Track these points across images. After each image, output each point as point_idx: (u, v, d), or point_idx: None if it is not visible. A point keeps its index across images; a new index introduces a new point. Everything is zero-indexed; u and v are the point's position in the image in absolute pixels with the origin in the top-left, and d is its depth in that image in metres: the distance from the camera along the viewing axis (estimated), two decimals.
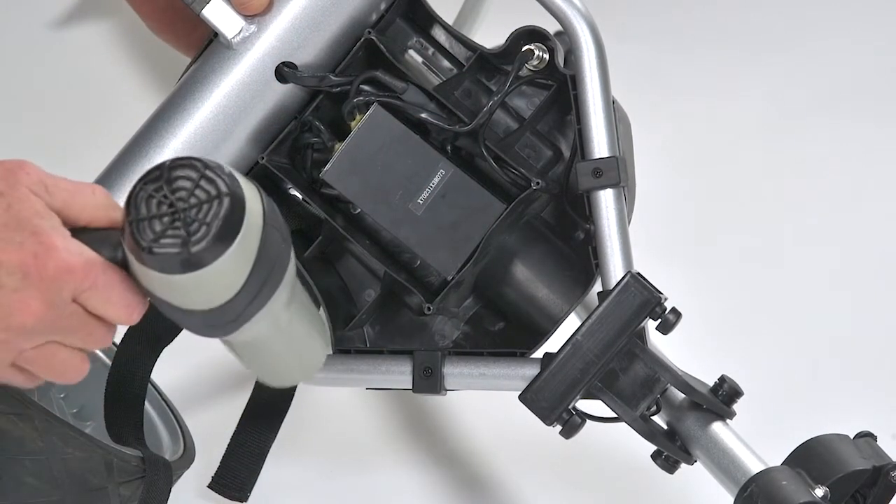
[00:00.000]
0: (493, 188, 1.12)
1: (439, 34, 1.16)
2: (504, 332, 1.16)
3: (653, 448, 1.11)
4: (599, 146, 1.10)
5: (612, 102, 1.12)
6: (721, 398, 1.09)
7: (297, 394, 1.25)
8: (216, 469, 1.24)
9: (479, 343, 1.15)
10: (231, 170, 0.84)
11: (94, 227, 0.88)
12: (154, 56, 1.78)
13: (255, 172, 1.12)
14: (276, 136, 1.12)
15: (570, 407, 1.09)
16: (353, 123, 1.11)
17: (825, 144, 1.69)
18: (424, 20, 1.16)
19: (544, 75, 1.13)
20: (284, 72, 1.10)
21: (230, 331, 0.88)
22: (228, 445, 1.24)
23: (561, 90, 1.13)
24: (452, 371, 1.13)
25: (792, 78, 1.76)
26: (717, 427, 1.09)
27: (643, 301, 1.07)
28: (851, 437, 1.11)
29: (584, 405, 1.11)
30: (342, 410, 1.40)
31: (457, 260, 1.12)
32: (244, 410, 1.25)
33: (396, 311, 1.17)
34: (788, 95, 1.74)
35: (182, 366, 1.39)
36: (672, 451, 1.10)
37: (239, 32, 1.10)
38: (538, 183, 1.11)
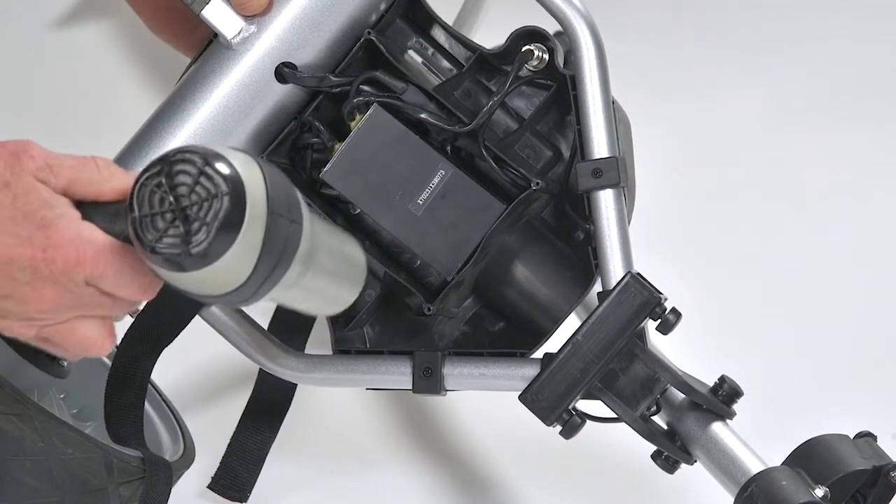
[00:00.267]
0: (493, 188, 1.12)
1: (439, 34, 1.16)
2: (504, 332, 1.16)
3: (653, 448, 1.11)
4: (599, 146, 1.10)
5: (612, 102, 1.12)
6: (721, 398, 1.09)
7: (297, 394, 1.25)
8: (216, 469, 1.24)
9: (479, 343, 1.15)
10: (233, 155, 0.83)
11: (102, 202, 0.88)
12: (154, 56, 1.78)
13: None
14: (275, 137, 1.12)
15: (570, 407, 1.09)
16: (352, 124, 1.11)
17: (825, 144, 1.69)
18: (424, 20, 1.16)
19: (544, 75, 1.13)
20: (284, 72, 1.10)
21: (247, 304, 0.87)
22: (228, 445, 1.25)
23: (561, 90, 1.13)
24: (452, 371, 1.13)
25: (792, 78, 1.76)
26: (717, 427, 1.09)
27: (643, 301, 1.07)
28: (851, 437, 1.11)
29: (584, 405, 1.11)
30: (342, 410, 1.40)
31: (457, 260, 1.12)
32: (244, 410, 1.25)
33: (396, 311, 1.17)
34: (788, 95, 1.74)
35: (182, 366, 1.39)
36: (672, 451, 1.10)
37: (239, 33, 1.10)
38: (538, 183, 1.11)
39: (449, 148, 1.13)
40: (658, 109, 1.70)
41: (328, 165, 1.11)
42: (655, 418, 1.12)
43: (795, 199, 1.64)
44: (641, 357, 1.09)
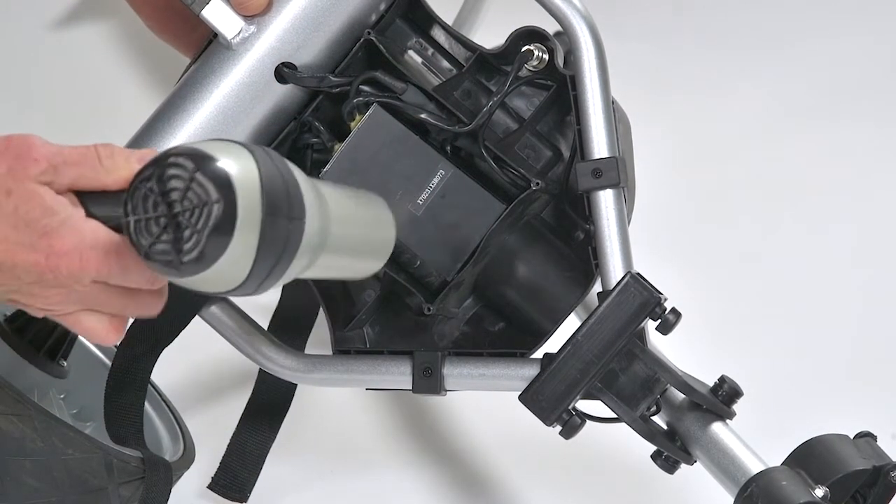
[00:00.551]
0: (493, 188, 1.12)
1: (439, 34, 1.16)
2: (504, 332, 1.16)
3: (653, 448, 1.11)
4: (599, 146, 1.10)
5: (612, 103, 1.12)
6: (721, 398, 1.09)
7: (297, 394, 1.25)
8: (216, 469, 1.24)
9: (478, 343, 1.15)
10: (228, 153, 0.82)
11: (107, 192, 0.88)
12: (154, 56, 1.78)
13: None
14: (275, 137, 1.12)
15: (570, 407, 1.09)
16: (352, 124, 1.11)
17: (825, 144, 1.69)
18: (424, 21, 1.16)
19: (544, 76, 1.13)
20: (284, 72, 1.10)
21: (255, 295, 0.87)
22: (228, 445, 1.25)
23: (560, 91, 1.13)
24: (452, 371, 1.13)
25: (792, 78, 1.76)
26: (717, 427, 1.09)
27: (643, 301, 1.07)
28: (851, 437, 1.11)
29: (584, 405, 1.11)
30: (342, 410, 1.40)
31: (456, 260, 1.12)
32: (244, 410, 1.25)
33: (396, 311, 1.17)
34: (788, 95, 1.74)
35: (182, 366, 1.39)
36: (672, 451, 1.10)
37: (238, 33, 1.10)
38: (538, 183, 1.11)
39: (449, 148, 1.13)
40: (658, 109, 1.70)
41: (328, 165, 1.11)
42: (655, 418, 1.12)
43: (795, 199, 1.64)
44: (641, 357, 1.09)
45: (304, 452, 1.35)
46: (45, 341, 1.18)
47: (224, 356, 1.26)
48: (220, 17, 1.09)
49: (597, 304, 1.08)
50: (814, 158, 1.67)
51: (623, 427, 1.10)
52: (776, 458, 1.08)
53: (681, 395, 1.11)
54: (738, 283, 1.55)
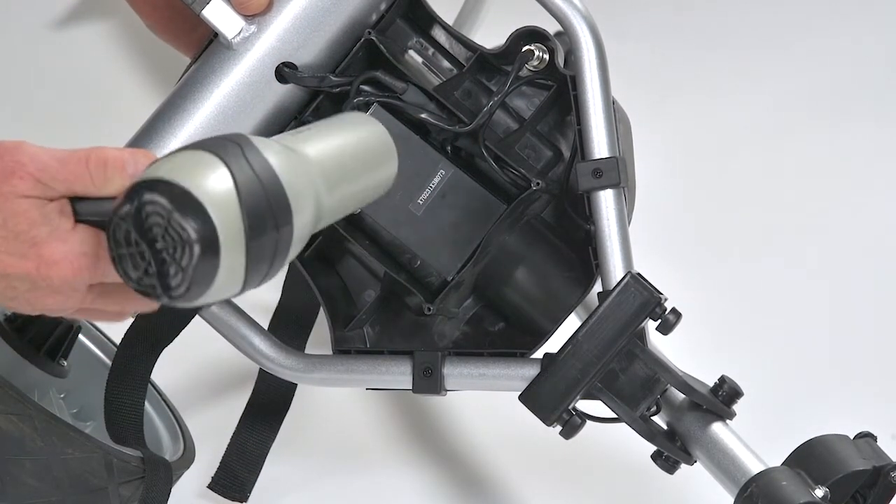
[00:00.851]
0: (493, 188, 1.12)
1: (439, 34, 1.16)
2: (504, 332, 1.16)
3: (653, 448, 1.11)
4: (599, 146, 1.10)
5: (612, 103, 1.12)
6: (721, 398, 1.09)
7: (297, 394, 1.25)
8: (216, 469, 1.24)
9: (479, 343, 1.15)
10: (202, 177, 0.80)
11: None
12: (154, 56, 1.78)
13: None
14: None
15: (570, 407, 1.09)
16: None
17: (825, 144, 1.69)
18: (424, 20, 1.16)
19: (544, 76, 1.13)
20: (284, 72, 1.10)
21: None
22: (228, 445, 1.25)
23: (561, 90, 1.13)
24: (452, 371, 1.13)
25: (792, 78, 1.76)
26: (717, 427, 1.09)
27: (643, 301, 1.07)
28: (851, 437, 1.11)
29: (585, 405, 1.11)
30: (342, 410, 1.40)
31: (457, 260, 1.12)
32: (244, 410, 1.25)
33: (396, 311, 1.17)
34: (788, 95, 1.74)
35: (182, 366, 1.39)
36: (672, 451, 1.10)
37: (239, 33, 1.09)
38: (538, 183, 1.11)
39: (449, 148, 1.13)
40: (658, 109, 1.70)
41: None
42: (655, 418, 1.12)
43: (796, 199, 1.64)
44: (641, 357, 1.09)
45: (304, 452, 1.35)
46: (45, 341, 1.18)
47: (224, 356, 1.26)
48: (220, 16, 1.09)
49: (597, 304, 1.08)
50: (814, 158, 1.67)
51: (623, 427, 1.10)
52: (776, 458, 1.08)
53: (681, 396, 1.11)
54: (738, 283, 1.55)
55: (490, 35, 1.23)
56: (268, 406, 1.25)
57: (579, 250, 1.14)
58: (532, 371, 1.10)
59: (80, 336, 1.26)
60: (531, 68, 1.13)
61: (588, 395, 1.09)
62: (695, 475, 1.14)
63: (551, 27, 1.13)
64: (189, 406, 1.35)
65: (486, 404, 1.36)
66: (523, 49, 1.12)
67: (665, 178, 1.59)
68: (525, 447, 1.34)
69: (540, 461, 1.34)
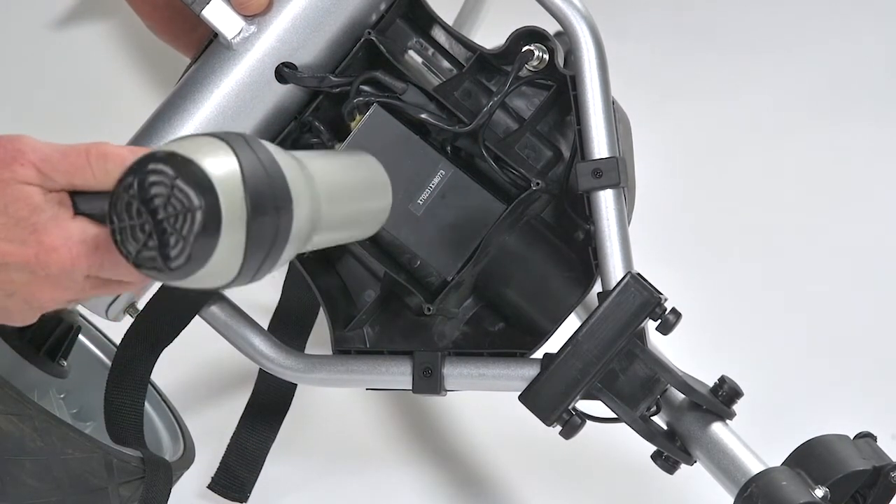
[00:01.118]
0: (493, 188, 1.12)
1: (439, 35, 1.16)
2: (504, 332, 1.16)
3: (653, 448, 1.11)
4: (599, 147, 1.10)
5: (612, 103, 1.12)
6: (721, 399, 1.09)
7: (297, 394, 1.25)
8: (216, 470, 1.24)
9: (479, 343, 1.15)
10: (208, 152, 0.81)
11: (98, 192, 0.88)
12: (154, 56, 1.78)
13: None
14: (275, 137, 1.12)
15: (570, 407, 1.09)
16: (352, 124, 1.11)
17: (825, 144, 1.69)
18: (424, 21, 1.16)
19: (544, 76, 1.13)
20: (284, 72, 1.10)
21: (251, 283, 0.86)
22: (228, 445, 1.25)
23: (561, 91, 1.13)
24: (452, 371, 1.13)
25: (792, 78, 1.76)
26: (717, 427, 1.09)
27: (643, 301, 1.07)
28: (851, 437, 1.11)
29: (585, 405, 1.11)
30: (342, 410, 1.40)
31: (457, 260, 1.12)
32: (244, 410, 1.25)
33: (396, 311, 1.17)
34: (788, 95, 1.74)
35: (182, 366, 1.39)
36: (672, 451, 1.10)
37: (239, 33, 1.10)
38: (538, 183, 1.11)
39: (449, 148, 1.13)
40: (658, 109, 1.70)
41: None
42: (655, 418, 1.12)
43: (796, 199, 1.64)
44: (641, 357, 1.09)
45: (304, 452, 1.35)
46: (45, 341, 1.18)
47: (224, 356, 1.26)
48: (220, 16, 1.09)
49: (597, 304, 1.08)
50: (814, 159, 1.67)
51: (623, 427, 1.10)
52: (776, 458, 1.08)
53: (681, 396, 1.11)
54: (738, 284, 1.55)
55: (490, 35, 1.23)
56: (268, 406, 1.25)
57: (579, 250, 1.14)
58: (532, 371, 1.10)
59: (80, 336, 1.26)
60: (531, 68, 1.13)
61: (588, 395, 1.09)
62: (695, 475, 1.14)
63: (551, 27, 1.13)
64: (189, 406, 1.35)
65: (486, 404, 1.36)
66: (523, 49, 1.12)
67: (665, 178, 1.59)
68: (525, 447, 1.34)
69: (540, 461, 1.34)
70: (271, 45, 1.10)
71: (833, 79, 1.76)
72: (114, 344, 1.28)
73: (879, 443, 1.11)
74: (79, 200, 0.88)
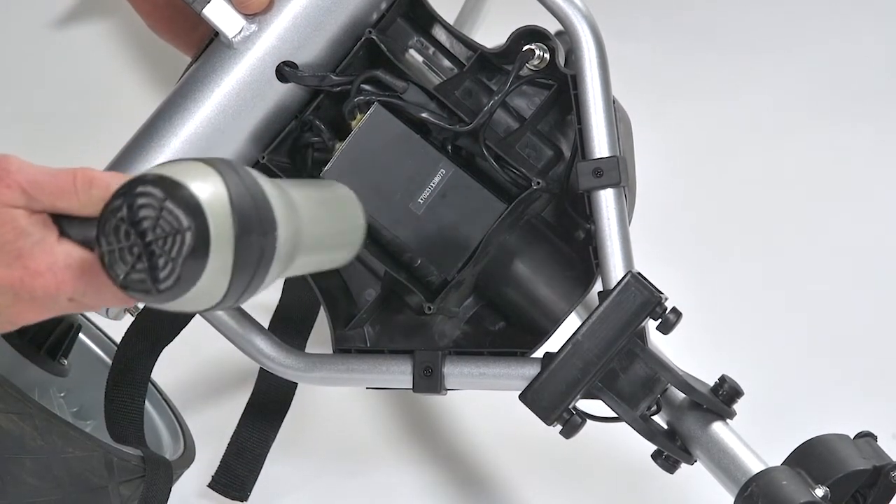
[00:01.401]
0: (494, 188, 1.12)
1: (440, 34, 1.16)
2: (504, 331, 1.16)
3: (653, 448, 1.11)
4: (600, 146, 1.10)
5: (613, 102, 1.12)
6: (721, 398, 1.09)
7: (297, 394, 1.25)
8: (216, 469, 1.24)
9: (479, 343, 1.15)
10: (196, 175, 0.82)
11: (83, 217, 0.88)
12: (154, 56, 1.78)
13: None
14: (276, 136, 1.12)
15: (570, 407, 1.09)
16: (353, 123, 1.11)
17: (825, 144, 1.69)
18: (425, 20, 1.16)
19: (545, 75, 1.13)
20: (285, 71, 1.10)
21: (235, 306, 0.87)
22: (228, 445, 1.25)
23: (561, 90, 1.13)
24: (453, 371, 1.13)
25: (792, 78, 1.76)
26: (718, 427, 1.09)
27: (643, 301, 1.07)
28: (851, 437, 1.11)
29: (585, 405, 1.11)
30: (342, 410, 1.40)
31: (457, 260, 1.12)
32: (244, 409, 1.25)
33: (397, 310, 1.17)
34: (788, 95, 1.74)
35: (182, 366, 1.39)
36: (672, 450, 1.10)
37: (240, 32, 1.10)
38: (539, 183, 1.11)
39: (450, 147, 1.13)
40: (659, 109, 1.70)
41: (329, 164, 1.11)
42: (655, 418, 1.12)
43: (796, 199, 1.64)
44: (642, 357, 1.09)
45: (304, 452, 1.35)
46: (45, 340, 1.18)
47: (224, 355, 1.26)
48: (221, 15, 1.09)
49: (597, 303, 1.08)
50: (814, 159, 1.67)
51: (623, 427, 1.10)
52: (776, 458, 1.08)
53: (681, 395, 1.11)
54: (738, 284, 1.55)
55: (490, 34, 1.23)
56: (268, 405, 1.25)
57: (580, 250, 1.14)
58: (532, 370, 1.10)
59: (81, 335, 1.26)
60: (532, 67, 1.13)
61: (588, 395, 1.09)
62: (695, 475, 1.14)
63: (552, 26, 1.13)
64: (189, 405, 1.35)
65: (486, 404, 1.36)
66: (524, 48, 1.12)
67: (665, 178, 1.59)
68: (525, 447, 1.34)
69: (540, 461, 1.34)
70: (272, 44, 1.10)
71: (833, 79, 1.76)
72: (114, 342, 1.28)
73: (879, 442, 1.11)
74: (65, 225, 0.88)
